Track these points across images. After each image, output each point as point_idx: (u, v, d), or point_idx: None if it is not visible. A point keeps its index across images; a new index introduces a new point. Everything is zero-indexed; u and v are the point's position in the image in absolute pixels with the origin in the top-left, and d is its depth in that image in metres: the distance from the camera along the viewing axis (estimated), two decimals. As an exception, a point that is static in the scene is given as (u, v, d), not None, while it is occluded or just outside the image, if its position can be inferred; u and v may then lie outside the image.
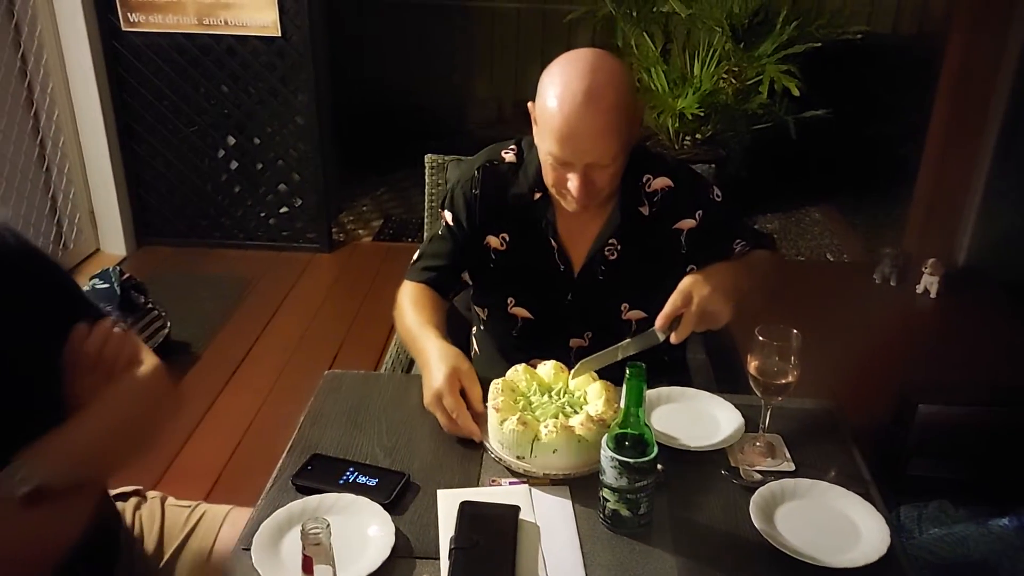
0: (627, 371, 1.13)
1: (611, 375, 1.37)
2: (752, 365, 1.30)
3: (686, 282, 1.39)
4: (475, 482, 1.29)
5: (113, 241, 3.88)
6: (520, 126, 1.57)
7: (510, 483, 1.28)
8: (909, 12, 4.81)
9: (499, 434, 1.30)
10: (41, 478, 1.05)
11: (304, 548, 0.96)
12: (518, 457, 1.28)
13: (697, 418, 1.42)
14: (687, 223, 1.58)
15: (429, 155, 1.95)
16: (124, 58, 3.63)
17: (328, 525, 0.96)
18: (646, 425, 1.15)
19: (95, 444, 1.14)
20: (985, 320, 3.35)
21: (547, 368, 1.42)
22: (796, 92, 3.63)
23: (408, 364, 1.79)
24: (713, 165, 2.09)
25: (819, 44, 3.78)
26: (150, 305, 2.97)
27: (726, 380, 1.73)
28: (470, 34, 5.15)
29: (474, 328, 1.83)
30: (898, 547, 1.16)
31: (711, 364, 1.85)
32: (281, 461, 1.33)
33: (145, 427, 1.24)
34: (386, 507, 1.20)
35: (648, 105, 3.89)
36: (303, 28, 3.57)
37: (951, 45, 3.56)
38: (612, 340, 1.42)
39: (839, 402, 1.50)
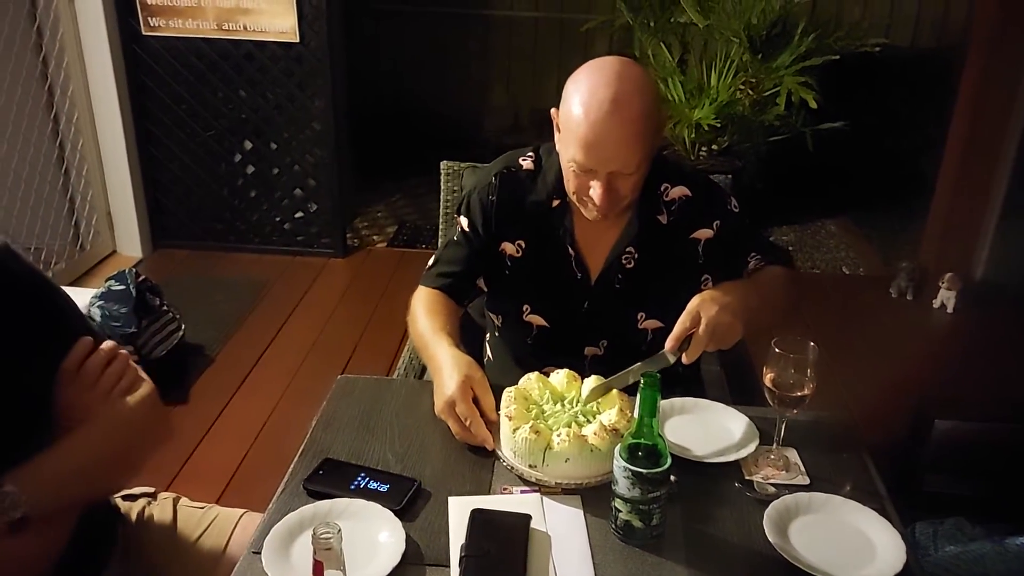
0: (641, 381, 1.12)
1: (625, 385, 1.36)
2: (768, 377, 1.29)
3: (694, 302, 1.36)
4: (487, 490, 1.28)
5: (129, 243, 3.90)
6: (537, 135, 1.58)
7: (522, 491, 1.28)
8: (928, 25, 4.79)
9: (511, 442, 1.29)
10: (29, 506, 1.05)
11: (315, 553, 0.96)
12: (530, 466, 1.27)
13: (711, 429, 1.41)
14: (704, 233, 1.57)
15: (445, 162, 1.95)
16: (144, 62, 3.66)
17: (339, 530, 0.96)
18: (660, 436, 1.14)
19: (84, 471, 1.14)
20: (1002, 335, 3.32)
21: (560, 377, 1.41)
22: (813, 104, 3.61)
23: (421, 370, 1.79)
24: (729, 176, 2.08)
25: (837, 56, 3.76)
26: (165, 307, 2.98)
27: (740, 392, 1.72)
28: (487, 42, 5.17)
29: (488, 335, 1.82)
30: (913, 564, 1.14)
31: (726, 376, 1.84)
32: (293, 465, 1.33)
33: (134, 455, 1.24)
34: (397, 513, 1.20)
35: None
36: (321, 34, 3.58)
37: (970, 59, 3.55)
38: (627, 349, 1.41)
39: (855, 416, 1.48)
